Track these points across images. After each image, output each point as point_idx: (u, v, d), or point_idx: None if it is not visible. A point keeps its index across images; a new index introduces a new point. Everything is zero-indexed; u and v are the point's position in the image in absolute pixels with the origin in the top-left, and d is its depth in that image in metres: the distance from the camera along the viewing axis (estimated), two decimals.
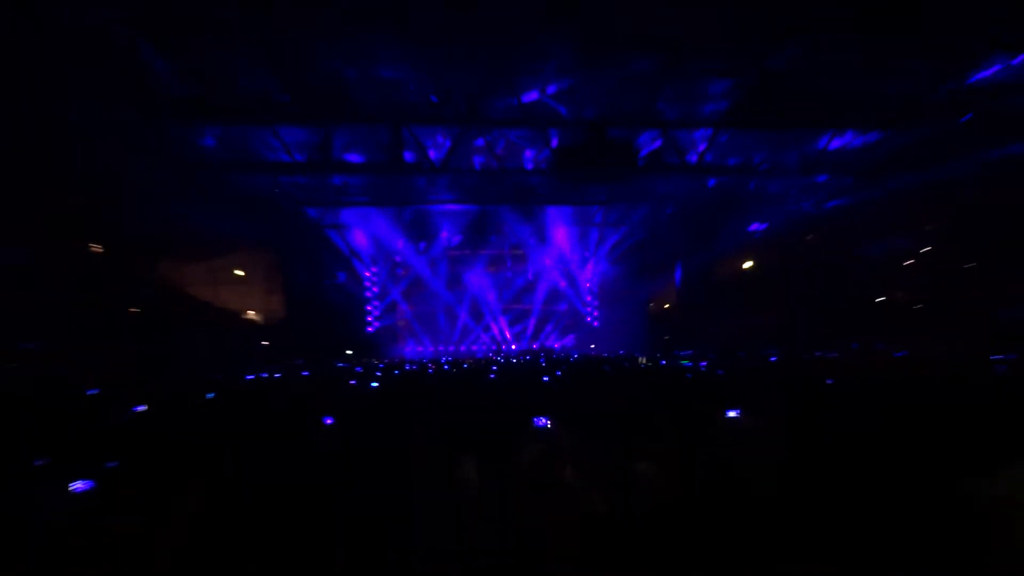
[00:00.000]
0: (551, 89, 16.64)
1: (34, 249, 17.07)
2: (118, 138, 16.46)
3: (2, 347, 15.96)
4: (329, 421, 7.62)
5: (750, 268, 27.22)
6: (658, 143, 19.06)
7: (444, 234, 32.14)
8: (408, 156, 17.96)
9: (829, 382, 10.94)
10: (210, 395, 11.88)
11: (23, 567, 3.55)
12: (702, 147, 18.82)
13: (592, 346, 33.58)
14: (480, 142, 19.99)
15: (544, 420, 6.35)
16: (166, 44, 14.04)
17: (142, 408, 9.38)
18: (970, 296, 20.60)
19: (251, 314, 25.46)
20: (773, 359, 19.42)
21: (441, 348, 34.16)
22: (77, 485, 4.62)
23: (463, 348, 34.07)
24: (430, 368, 21.09)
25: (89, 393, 12.38)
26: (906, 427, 5.83)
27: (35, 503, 4.64)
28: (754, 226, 26.95)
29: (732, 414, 6.97)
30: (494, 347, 33.89)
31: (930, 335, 20.64)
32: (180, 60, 14.53)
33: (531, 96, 16.65)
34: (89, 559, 3.70)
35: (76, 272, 17.97)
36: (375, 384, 14.45)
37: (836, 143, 19.86)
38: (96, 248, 19.23)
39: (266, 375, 16.83)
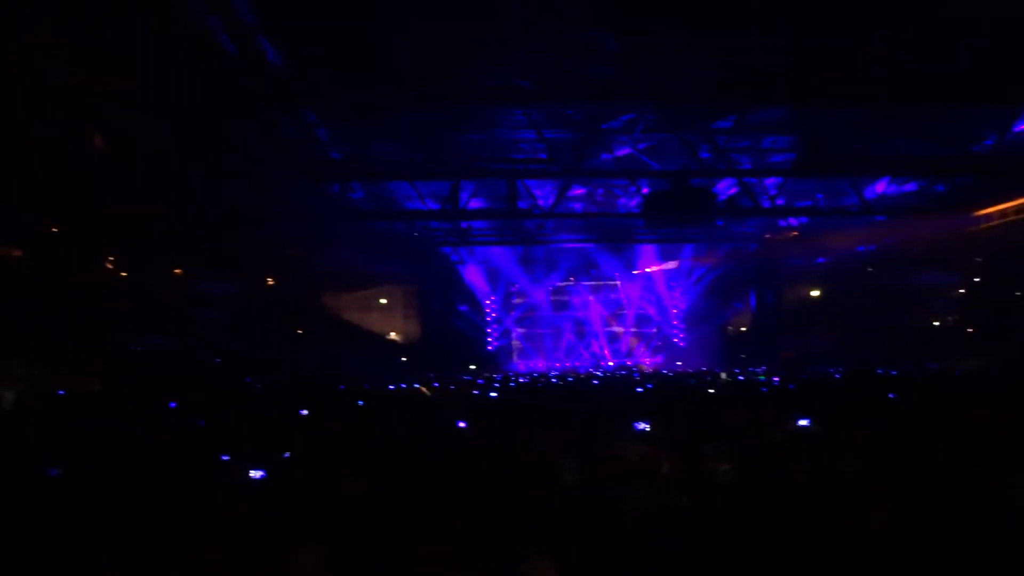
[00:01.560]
0: (641, 145, 16.46)
1: (232, 283, 17.94)
2: (295, 199, 17.06)
3: (198, 360, 16.68)
4: (462, 424, 7.58)
5: (816, 296, 26.40)
6: (734, 190, 18.60)
7: (552, 268, 32.09)
8: (521, 204, 17.96)
9: (892, 396, 10.43)
10: (360, 403, 12.07)
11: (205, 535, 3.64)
12: (773, 192, 18.25)
13: (679, 363, 32.92)
14: (581, 190, 19.91)
15: (642, 424, 6.21)
16: (329, 120, 14.54)
17: (305, 412, 9.60)
18: (1007, 320, 19.53)
19: (393, 335, 25.96)
20: (837, 375, 18.70)
21: (549, 363, 33.92)
22: (255, 474, 4.77)
23: (567, 364, 33.76)
24: (540, 381, 20.99)
25: (263, 397, 12.77)
26: (969, 439, 5.42)
27: (221, 488, 4.76)
28: (819, 259, 26.12)
29: (803, 423, 6.68)
30: (593, 362, 33.49)
31: (976, 354, 19.58)
32: (337, 131, 14.99)
33: (624, 151, 16.51)
34: (260, 528, 3.76)
35: (260, 301, 18.73)
36: (494, 394, 14.42)
37: (892, 188, 19.05)
38: (271, 282, 19.97)
39: (405, 385, 17.03)
